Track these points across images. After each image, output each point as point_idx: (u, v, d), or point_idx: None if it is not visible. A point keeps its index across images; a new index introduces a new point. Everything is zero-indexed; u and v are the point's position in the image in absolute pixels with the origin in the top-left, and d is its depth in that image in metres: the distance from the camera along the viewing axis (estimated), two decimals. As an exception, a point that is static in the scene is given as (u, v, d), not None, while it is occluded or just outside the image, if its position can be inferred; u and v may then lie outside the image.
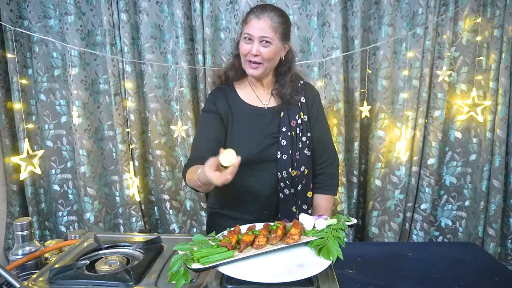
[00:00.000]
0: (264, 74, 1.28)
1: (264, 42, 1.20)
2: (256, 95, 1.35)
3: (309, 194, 1.37)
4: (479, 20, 1.84)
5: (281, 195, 1.30)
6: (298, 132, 1.31)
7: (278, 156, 1.28)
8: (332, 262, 0.86)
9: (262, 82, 1.34)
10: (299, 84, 1.35)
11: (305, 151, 1.31)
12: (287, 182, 1.28)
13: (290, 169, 1.28)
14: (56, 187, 2.07)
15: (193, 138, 1.37)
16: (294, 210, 1.32)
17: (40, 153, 1.76)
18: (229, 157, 0.95)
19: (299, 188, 1.32)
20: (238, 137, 1.29)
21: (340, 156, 1.95)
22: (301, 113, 1.33)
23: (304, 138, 1.31)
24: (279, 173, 1.28)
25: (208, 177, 0.94)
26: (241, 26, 1.29)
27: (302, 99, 1.34)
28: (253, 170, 1.28)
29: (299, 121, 1.32)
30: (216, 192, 1.45)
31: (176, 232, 2.10)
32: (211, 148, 1.26)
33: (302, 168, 1.31)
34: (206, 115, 1.35)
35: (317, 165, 1.38)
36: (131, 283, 0.85)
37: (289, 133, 1.29)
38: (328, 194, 1.39)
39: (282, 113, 1.31)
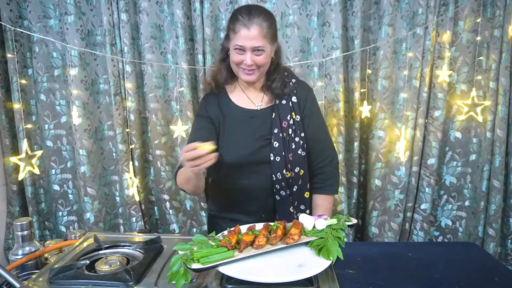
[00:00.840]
0: (260, 78, 1.28)
1: (257, 51, 1.19)
2: (247, 97, 1.34)
3: (306, 194, 1.35)
4: (479, 20, 1.84)
5: (277, 197, 1.29)
6: (290, 133, 1.29)
7: (271, 158, 1.27)
8: (332, 262, 0.86)
9: (254, 83, 1.32)
10: (291, 83, 1.34)
11: (299, 152, 1.30)
12: (282, 183, 1.27)
13: (284, 171, 1.27)
14: (56, 187, 2.07)
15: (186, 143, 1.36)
16: (292, 210, 1.31)
17: (39, 153, 1.75)
18: (207, 146, 0.96)
19: (294, 190, 1.31)
20: (230, 140, 1.29)
21: (340, 156, 1.95)
22: (293, 113, 1.31)
23: (297, 139, 1.30)
24: (273, 175, 1.27)
25: (182, 157, 0.97)
26: (226, 29, 1.26)
27: (294, 99, 1.32)
28: (247, 173, 1.28)
29: (291, 122, 1.30)
30: (213, 195, 1.44)
31: (176, 232, 2.10)
32: None
33: (297, 169, 1.30)
34: (197, 119, 1.36)
35: (315, 164, 1.36)
36: (131, 283, 0.85)
37: (280, 135, 1.27)
38: (327, 194, 1.37)
39: (274, 114, 1.30)
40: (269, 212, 1.31)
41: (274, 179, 1.27)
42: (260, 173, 1.29)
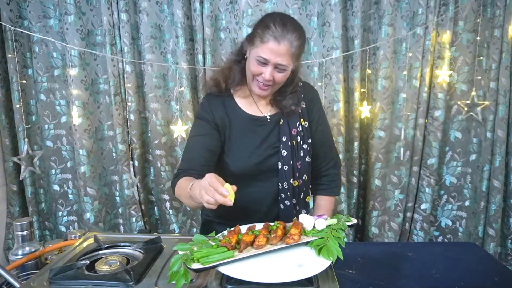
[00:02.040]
0: (272, 93, 1.22)
1: (279, 68, 1.10)
2: (256, 105, 1.26)
3: (308, 199, 1.34)
4: (479, 20, 1.84)
5: (281, 206, 1.26)
6: (299, 140, 1.24)
7: (279, 167, 1.23)
8: (332, 262, 0.85)
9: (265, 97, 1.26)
10: (298, 88, 1.27)
11: (306, 159, 1.26)
12: (288, 193, 1.24)
13: (291, 180, 1.23)
14: (56, 187, 2.07)
15: (185, 146, 1.25)
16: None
17: (39, 153, 1.76)
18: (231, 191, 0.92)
19: (301, 197, 1.29)
20: (237, 149, 1.24)
21: (340, 156, 1.94)
22: (302, 120, 1.26)
23: (305, 146, 1.26)
24: (280, 184, 1.23)
25: (203, 195, 0.91)
26: (252, 32, 1.14)
27: (302, 104, 1.27)
28: (252, 181, 1.24)
29: (300, 128, 1.25)
30: None
31: (176, 232, 2.10)
32: (206, 160, 1.19)
33: (304, 177, 1.27)
34: (201, 123, 1.24)
35: (321, 167, 1.34)
36: (131, 283, 0.85)
37: (289, 143, 1.23)
38: (331, 196, 1.37)
39: (282, 121, 1.24)
40: (273, 221, 1.28)
41: (281, 187, 1.24)
42: (266, 182, 1.25)
